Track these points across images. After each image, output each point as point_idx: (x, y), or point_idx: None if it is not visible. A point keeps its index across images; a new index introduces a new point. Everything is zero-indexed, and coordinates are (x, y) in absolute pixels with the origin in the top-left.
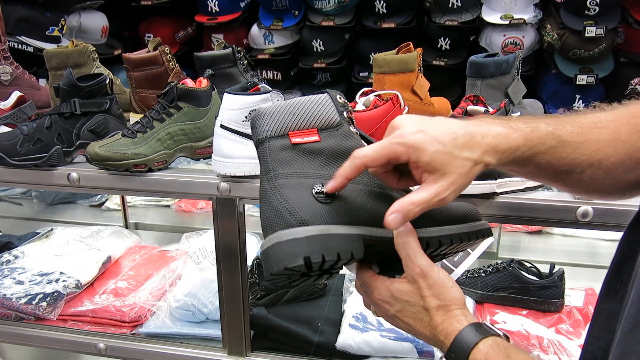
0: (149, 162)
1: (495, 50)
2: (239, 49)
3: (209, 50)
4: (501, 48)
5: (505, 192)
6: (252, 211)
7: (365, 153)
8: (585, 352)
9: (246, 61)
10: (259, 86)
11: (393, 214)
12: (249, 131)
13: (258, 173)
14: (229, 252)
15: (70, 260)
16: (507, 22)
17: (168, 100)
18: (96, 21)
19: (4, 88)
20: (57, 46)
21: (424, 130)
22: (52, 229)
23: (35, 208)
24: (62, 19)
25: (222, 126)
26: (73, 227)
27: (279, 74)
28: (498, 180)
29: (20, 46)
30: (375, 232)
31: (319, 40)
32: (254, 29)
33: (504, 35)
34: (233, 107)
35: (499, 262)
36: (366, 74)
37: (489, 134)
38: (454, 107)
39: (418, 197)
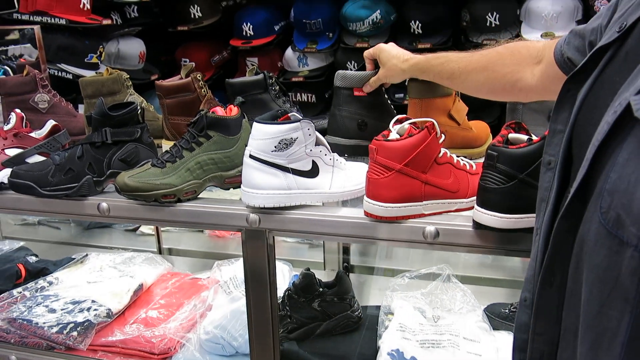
0: (178, 192)
1: None
2: (271, 74)
3: (244, 73)
4: None
5: None
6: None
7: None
8: (532, 352)
9: (278, 87)
10: (289, 115)
11: (366, 86)
12: (279, 161)
13: (288, 204)
14: (258, 284)
15: (102, 287)
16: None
17: (198, 129)
18: (134, 47)
19: (41, 116)
20: (96, 73)
21: (390, 46)
22: (86, 255)
23: (72, 232)
24: (101, 46)
25: (251, 156)
26: (107, 253)
27: (313, 96)
28: None
29: (60, 73)
30: None
31: (353, 62)
32: (288, 51)
33: None
34: (262, 136)
35: None
36: (402, 95)
37: (409, 55)
38: (493, 129)
39: (375, 77)
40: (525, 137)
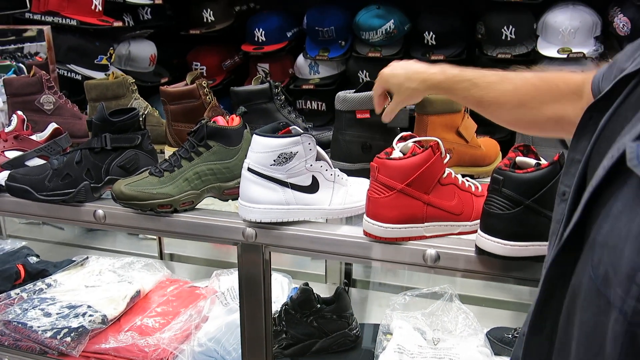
0: (175, 202)
1: None
2: (277, 84)
3: (255, 78)
4: None
5: None
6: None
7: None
8: None
9: (283, 97)
10: (290, 128)
11: (385, 116)
12: (277, 175)
13: (285, 220)
14: (253, 299)
15: (100, 292)
16: (565, 56)
17: (197, 139)
18: (145, 50)
19: (46, 117)
20: (105, 74)
21: (393, 68)
22: (87, 257)
23: (76, 233)
24: (111, 48)
25: (249, 169)
26: (107, 256)
27: (324, 104)
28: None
29: (69, 74)
30: None
31: (365, 72)
32: (300, 58)
33: (561, 70)
34: (261, 149)
35: None
36: (412, 107)
37: (425, 72)
38: (504, 145)
39: (392, 105)
40: (533, 162)
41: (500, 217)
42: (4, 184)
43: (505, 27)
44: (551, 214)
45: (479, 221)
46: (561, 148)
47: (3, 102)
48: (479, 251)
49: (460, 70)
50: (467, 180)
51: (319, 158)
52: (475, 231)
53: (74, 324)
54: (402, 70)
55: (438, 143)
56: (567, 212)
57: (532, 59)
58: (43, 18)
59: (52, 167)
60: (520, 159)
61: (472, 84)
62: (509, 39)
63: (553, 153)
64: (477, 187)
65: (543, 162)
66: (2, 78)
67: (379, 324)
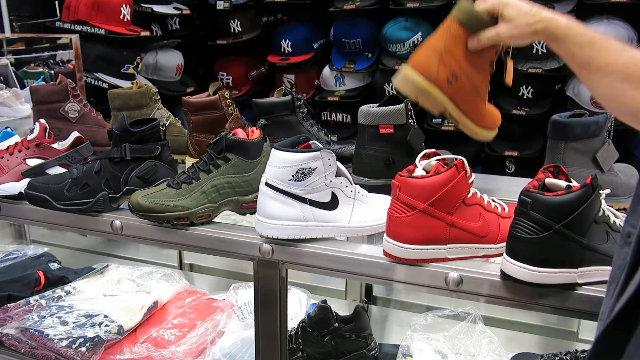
0: (191, 215)
1: (584, 101)
2: (299, 96)
3: (277, 90)
4: (590, 99)
5: (589, 283)
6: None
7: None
8: None
9: (306, 109)
10: (310, 142)
11: (475, 40)
12: (296, 191)
13: (303, 237)
14: (268, 317)
15: (117, 302)
16: None
17: (216, 151)
18: (172, 59)
19: (71, 125)
20: (131, 83)
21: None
22: (107, 265)
23: (98, 240)
24: (138, 57)
25: (267, 184)
26: (127, 265)
27: (349, 117)
28: (580, 269)
29: (96, 82)
30: None
31: (391, 84)
32: (326, 70)
33: None
34: (280, 164)
35: (579, 350)
36: (439, 120)
37: (547, 16)
38: (534, 162)
39: (494, 31)
40: (564, 184)
41: (528, 241)
42: (23, 192)
43: (536, 41)
44: (582, 240)
45: (504, 244)
46: (593, 169)
47: (31, 108)
48: (505, 276)
49: (581, 24)
50: (493, 201)
51: (339, 174)
52: (501, 254)
53: (90, 333)
54: (525, 6)
55: (463, 162)
56: (632, 258)
57: (564, 74)
58: (72, 27)
59: (71, 177)
60: (550, 180)
61: (589, 42)
62: (539, 52)
63: (584, 174)
64: (503, 208)
65: (574, 184)
66: (30, 86)
67: (399, 345)
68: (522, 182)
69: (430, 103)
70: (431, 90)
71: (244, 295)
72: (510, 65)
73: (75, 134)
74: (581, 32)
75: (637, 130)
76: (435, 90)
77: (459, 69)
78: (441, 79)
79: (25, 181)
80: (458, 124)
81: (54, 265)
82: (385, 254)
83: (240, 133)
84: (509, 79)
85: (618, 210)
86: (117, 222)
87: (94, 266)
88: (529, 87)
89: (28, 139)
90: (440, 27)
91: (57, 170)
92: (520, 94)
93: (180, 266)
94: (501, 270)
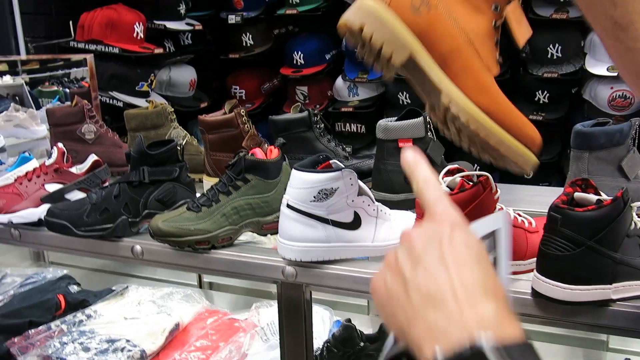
0: (213, 239)
1: (601, 104)
2: (316, 112)
3: (293, 102)
4: (608, 102)
5: (624, 299)
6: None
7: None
8: None
9: (323, 125)
10: (330, 162)
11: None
12: (318, 212)
13: (326, 259)
14: (293, 340)
15: (139, 325)
16: (615, 74)
17: (235, 172)
18: (185, 75)
19: (87, 146)
20: (146, 101)
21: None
22: (127, 287)
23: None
24: (152, 74)
25: (289, 206)
26: (147, 285)
27: (363, 127)
28: (614, 285)
29: (111, 101)
30: None
31: (405, 93)
32: (339, 81)
33: (611, 88)
34: (301, 185)
35: None
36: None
37: None
38: (550, 167)
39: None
40: (594, 198)
41: (560, 258)
42: (43, 219)
43: (551, 46)
44: (615, 255)
45: (533, 260)
46: (619, 177)
47: (47, 129)
48: (536, 294)
49: None
50: (519, 215)
51: (360, 193)
52: (530, 270)
53: (112, 359)
54: None
55: (488, 178)
56: None
57: (580, 77)
58: (87, 46)
59: (91, 202)
60: (578, 194)
61: None
62: (555, 57)
63: (610, 183)
64: (530, 223)
65: (604, 197)
66: (46, 108)
67: None
68: (541, 191)
69: (390, 45)
70: (385, 16)
71: (266, 314)
72: (517, 13)
73: (93, 157)
74: None
75: None
76: (391, 17)
77: None
78: (402, 2)
79: (44, 207)
80: (439, 99)
81: (74, 288)
82: None
83: (259, 153)
84: (519, 34)
85: None
86: (138, 247)
87: (113, 288)
88: (545, 92)
89: (46, 164)
90: None
91: (76, 194)
92: (536, 98)
93: (200, 285)
94: (532, 288)
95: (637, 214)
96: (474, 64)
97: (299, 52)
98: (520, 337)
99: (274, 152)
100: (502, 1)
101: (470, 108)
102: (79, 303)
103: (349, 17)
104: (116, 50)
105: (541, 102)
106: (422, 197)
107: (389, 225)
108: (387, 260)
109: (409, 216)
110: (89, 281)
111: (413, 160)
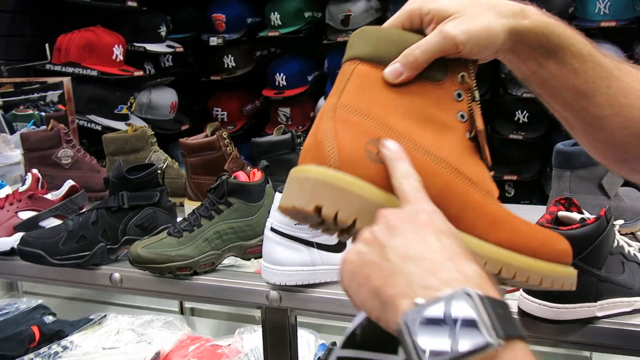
0: (194, 264)
1: None
2: (299, 134)
3: (276, 124)
4: None
5: (608, 316)
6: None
7: None
8: None
9: None
10: None
11: (392, 65)
12: (302, 235)
13: (312, 282)
14: None
15: (118, 356)
16: None
17: (218, 196)
18: (166, 97)
19: (64, 171)
20: (125, 124)
21: None
22: (105, 315)
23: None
24: (132, 97)
25: (272, 229)
26: (126, 313)
27: None
28: (598, 303)
29: (89, 124)
30: None
31: None
32: (321, 102)
33: None
34: None
35: None
36: None
37: (522, 8)
38: (531, 186)
39: (423, 40)
40: (577, 216)
41: None
42: (16, 248)
43: None
44: (599, 273)
45: None
46: (600, 195)
47: (21, 153)
48: (522, 313)
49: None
50: None
51: None
52: (516, 290)
53: None
54: None
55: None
56: None
57: None
58: (64, 69)
59: (67, 229)
60: (562, 213)
61: (589, 54)
62: None
63: (591, 201)
64: None
65: (588, 216)
66: (20, 132)
67: None
68: (525, 209)
69: (364, 217)
70: (343, 184)
71: (250, 340)
72: (478, 118)
73: (69, 183)
74: (571, 37)
75: None
76: (351, 182)
77: (383, 126)
78: (354, 155)
79: (18, 236)
80: None
81: (49, 319)
82: None
83: (242, 176)
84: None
85: (625, 235)
86: (117, 275)
87: (91, 317)
88: (525, 112)
89: (20, 190)
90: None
91: (52, 222)
92: (516, 118)
93: (182, 311)
94: (519, 307)
95: (618, 232)
96: (472, 197)
97: (281, 74)
98: (501, 297)
99: (257, 175)
100: (465, 108)
101: (491, 252)
102: (54, 334)
103: (294, 200)
104: (94, 73)
105: (521, 121)
106: (400, 190)
107: None
108: (361, 235)
109: None
110: (65, 310)
111: (395, 152)
